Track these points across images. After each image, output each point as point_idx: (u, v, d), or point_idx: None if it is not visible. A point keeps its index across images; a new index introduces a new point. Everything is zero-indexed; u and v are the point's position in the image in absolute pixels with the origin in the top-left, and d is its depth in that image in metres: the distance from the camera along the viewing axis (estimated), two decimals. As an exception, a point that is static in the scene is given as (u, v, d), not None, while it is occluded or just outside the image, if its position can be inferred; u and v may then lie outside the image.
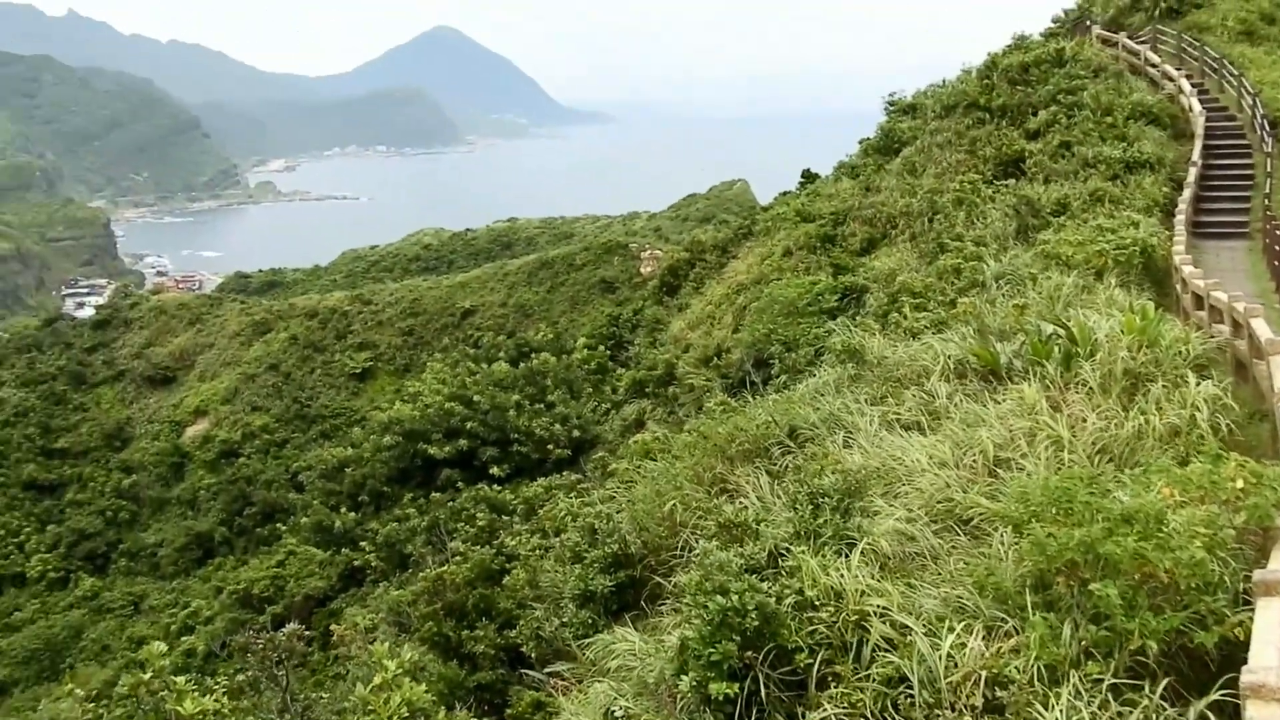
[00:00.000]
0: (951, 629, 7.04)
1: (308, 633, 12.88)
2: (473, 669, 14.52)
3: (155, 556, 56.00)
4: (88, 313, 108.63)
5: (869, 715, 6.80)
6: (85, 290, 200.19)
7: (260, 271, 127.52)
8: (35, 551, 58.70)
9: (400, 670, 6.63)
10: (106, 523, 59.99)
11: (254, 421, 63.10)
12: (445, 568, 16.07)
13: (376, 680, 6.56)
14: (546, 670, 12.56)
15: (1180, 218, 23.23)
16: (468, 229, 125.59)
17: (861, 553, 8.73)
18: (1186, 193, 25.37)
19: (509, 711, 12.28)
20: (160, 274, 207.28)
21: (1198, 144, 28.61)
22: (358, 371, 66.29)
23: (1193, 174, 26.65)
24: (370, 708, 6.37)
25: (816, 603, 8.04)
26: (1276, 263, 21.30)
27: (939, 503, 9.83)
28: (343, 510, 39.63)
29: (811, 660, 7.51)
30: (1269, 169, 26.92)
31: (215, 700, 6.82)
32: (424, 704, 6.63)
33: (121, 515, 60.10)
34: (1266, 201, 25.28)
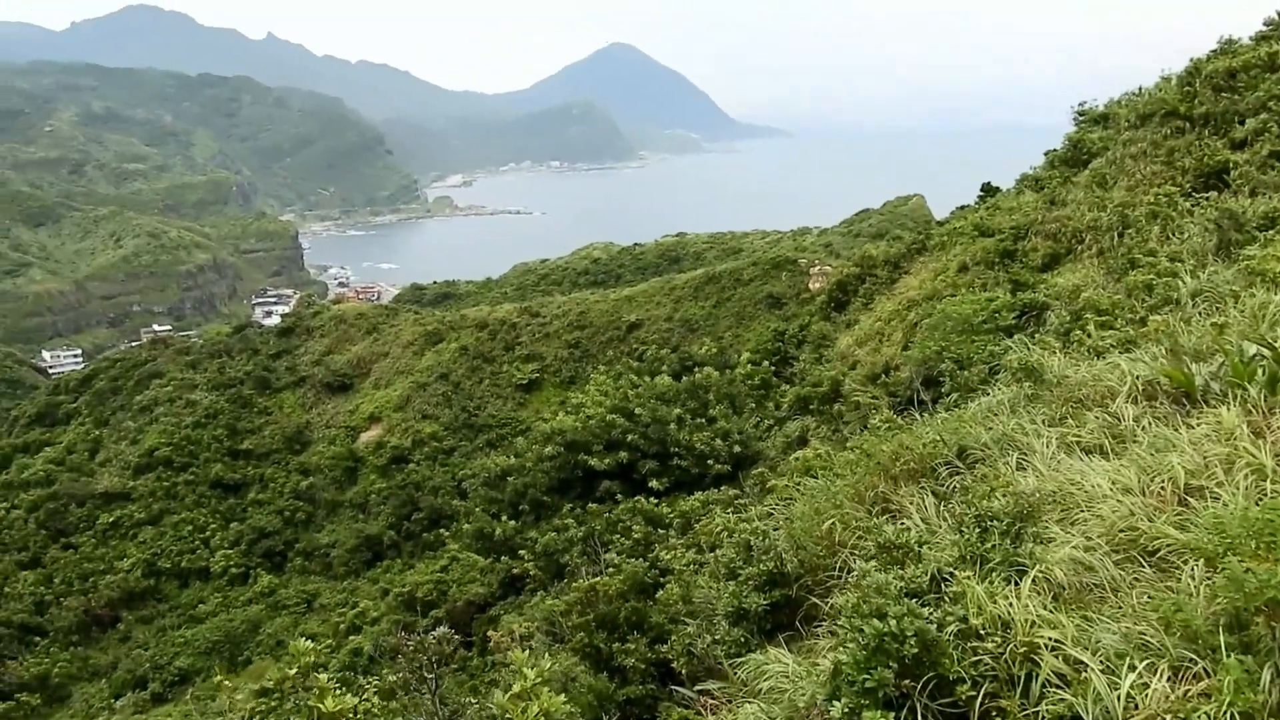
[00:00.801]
0: (1133, 667, 6.50)
1: (468, 638, 13.13)
2: (622, 682, 14.44)
3: (328, 556, 58.65)
4: (274, 321, 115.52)
5: (1037, 756, 6.34)
6: (273, 300, 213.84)
7: (434, 283, 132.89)
8: (219, 548, 62.52)
9: (539, 679, 6.55)
10: (284, 522, 63.33)
11: (424, 429, 65.41)
12: (599, 579, 16.09)
13: (515, 688, 6.51)
14: (696, 688, 12.34)
15: None
16: (636, 243, 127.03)
17: (1033, 581, 8.17)
18: None
19: (657, 726, 12.10)
20: (342, 285, 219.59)
21: None
22: (524, 382, 67.79)
23: None
24: (507, 715, 6.31)
25: (982, 632, 7.56)
26: None
27: (1121, 531, 9.12)
28: (504, 518, 40.47)
29: (974, 693, 7.05)
30: None
31: (365, 700, 6.91)
32: (562, 714, 6.53)
33: (298, 515, 63.36)
34: None
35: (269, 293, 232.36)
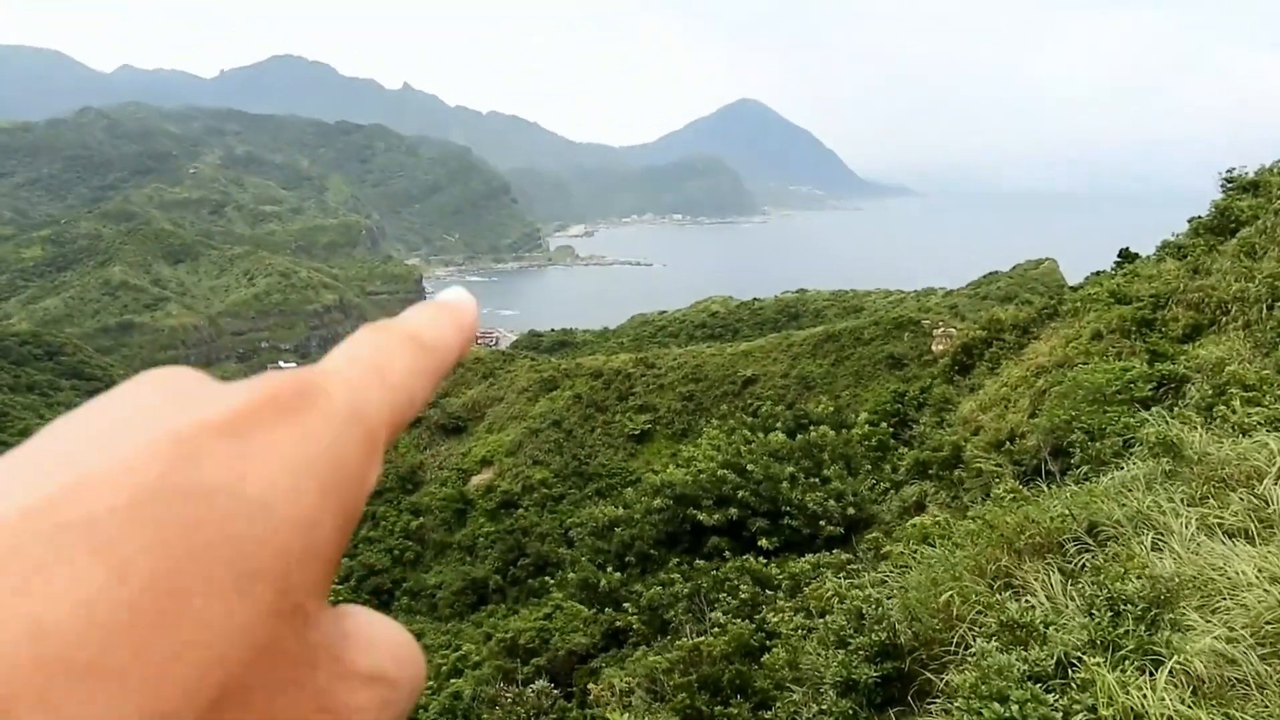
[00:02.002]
0: (1283, 778, 5.95)
1: (568, 689, 12.98)
2: (724, 746, 14.07)
3: (434, 597, 59.04)
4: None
5: None
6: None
7: (552, 331, 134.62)
8: (332, 583, 63.45)
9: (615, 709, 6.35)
10: (393, 561, 64.11)
11: (534, 475, 65.79)
12: (703, 638, 15.77)
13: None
14: (802, 757, 11.94)
15: None
16: (755, 298, 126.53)
17: (1170, 672, 7.62)
18: None
19: (758, 795, 11.72)
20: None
21: None
22: (636, 433, 67.68)
23: None
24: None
25: (1111, 724, 7.07)
26: None
27: (1268, 624, 8.46)
28: (609, 569, 40.25)
29: (1102, 790, 6.56)
30: None
31: None
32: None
33: (407, 555, 64.14)
34: None
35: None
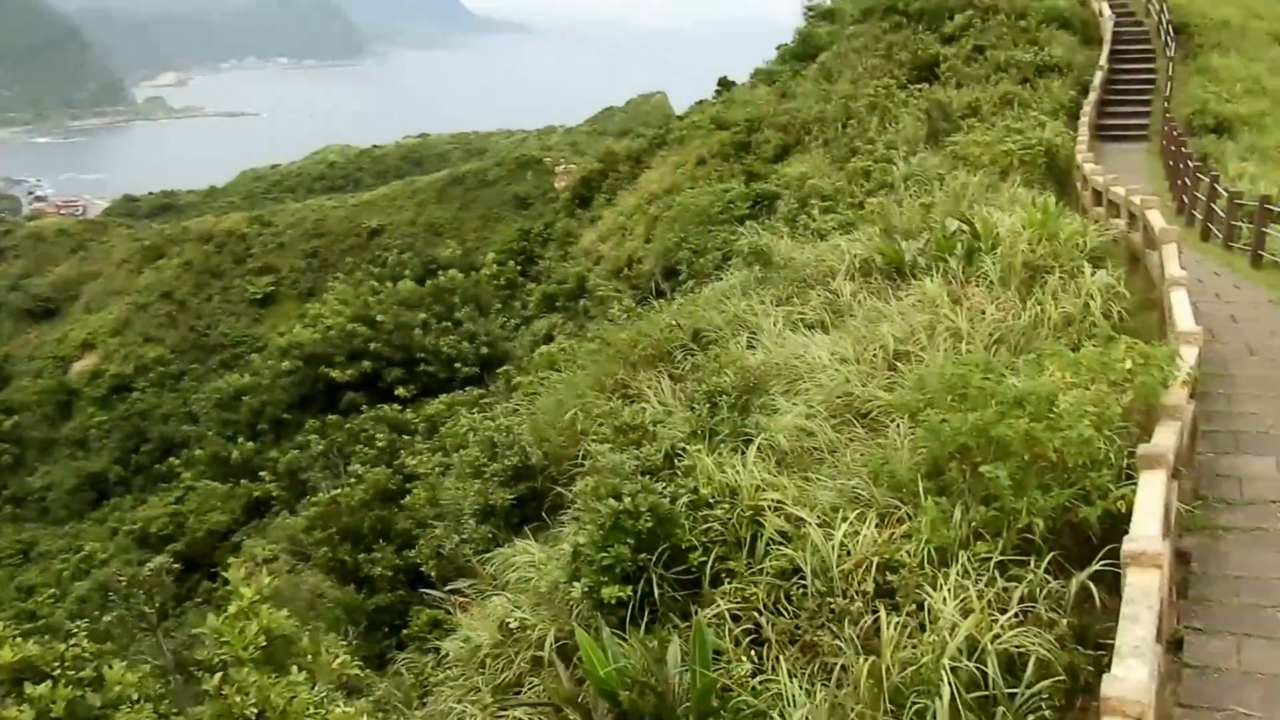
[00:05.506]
0: (845, 519, 6.89)
1: (213, 569, 12.28)
2: (371, 592, 14.12)
3: (44, 501, 53.37)
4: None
5: (762, 608, 6.62)
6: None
7: (151, 194, 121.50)
8: None
9: (256, 597, 6.12)
10: (-15, 469, 56.62)
11: (147, 354, 60.26)
12: (340, 491, 15.55)
13: (231, 609, 6.05)
14: (447, 588, 12.24)
15: (1085, 120, 23.54)
16: (375, 146, 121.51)
17: (758, 449, 8.50)
18: (1092, 96, 25.72)
19: (404, 631, 11.92)
20: (38, 199, 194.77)
21: (1105, 49, 29.04)
22: (259, 297, 63.84)
23: (1098, 79, 26.98)
24: (224, 639, 5.86)
25: (711, 500, 7.81)
26: (1171, 163, 21.65)
27: (839, 398, 9.66)
28: (240, 440, 38.35)
29: (705, 558, 7.28)
30: (1170, 74, 27.24)
31: (73, 646, 6.17)
32: (285, 630, 6.16)
33: (3, 459, 57.07)
34: (1166, 106, 25.58)
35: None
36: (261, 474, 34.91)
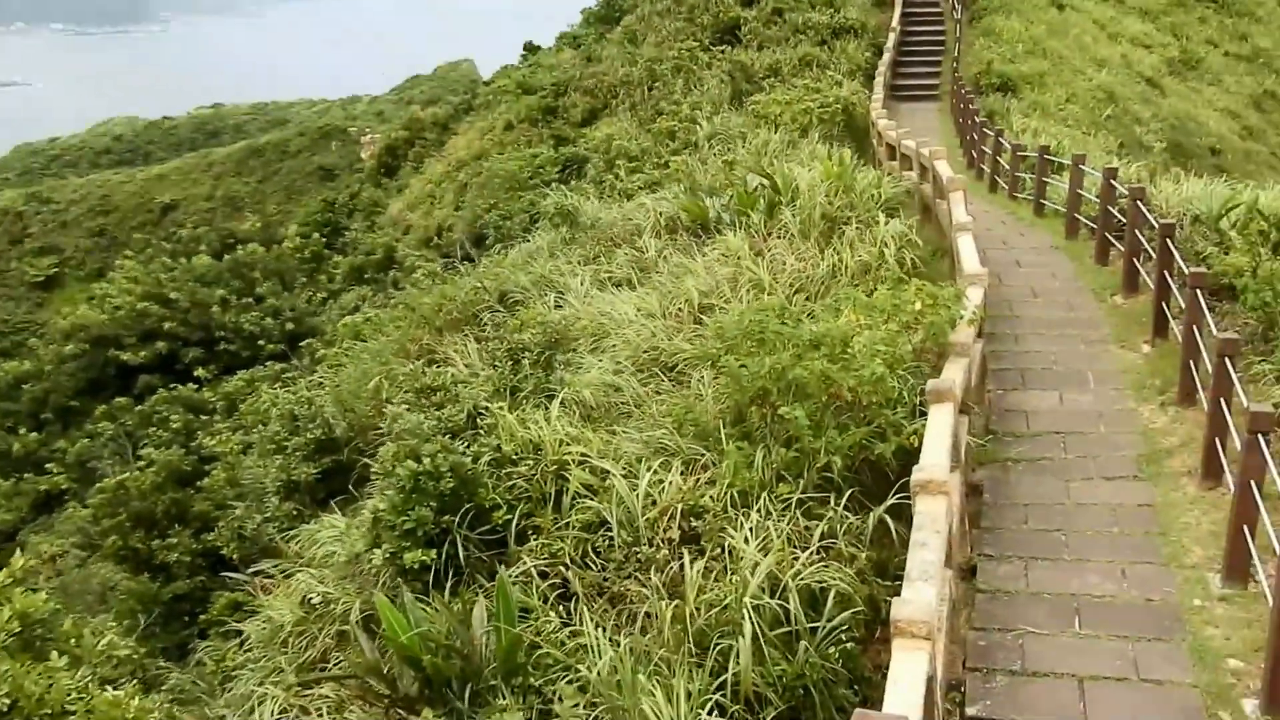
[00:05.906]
0: (650, 469, 6.85)
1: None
2: (168, 580, 13.25)
3: None
4: None
5: (569, 562, 6.52)
6: None
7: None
8: None
9: (9, 580, 5.55)
10: None
11: (-94, 348, 55.04)
12: (128, 475, 14.49)
13: (-20, 594, 5.47)
14: (250, 570, 11.63)
15: (879, 80, 24.56)
16: (166, 117, 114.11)
17: (562, 404, 8.38)
18: (886, 57, 26.86)
19: (203, 617, 11.24)
20: None
21: (897, 11, 30.48)
22: (40, 280, 59.17)
23: (891, 40, 28.19)
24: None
25: (515, 458, 7.63)
26: (961, 120, 22.88)
27: (645, 352, 9.66)
28: (22, 431, 35.36)
29: (511, 516, 7.10)
30: (958, 36, 28.72)
31: None
32: (44, 613, 5.62)
33: None
34: (955, 66, 26.93)
35: None
36: (49, 466, 32.29)
